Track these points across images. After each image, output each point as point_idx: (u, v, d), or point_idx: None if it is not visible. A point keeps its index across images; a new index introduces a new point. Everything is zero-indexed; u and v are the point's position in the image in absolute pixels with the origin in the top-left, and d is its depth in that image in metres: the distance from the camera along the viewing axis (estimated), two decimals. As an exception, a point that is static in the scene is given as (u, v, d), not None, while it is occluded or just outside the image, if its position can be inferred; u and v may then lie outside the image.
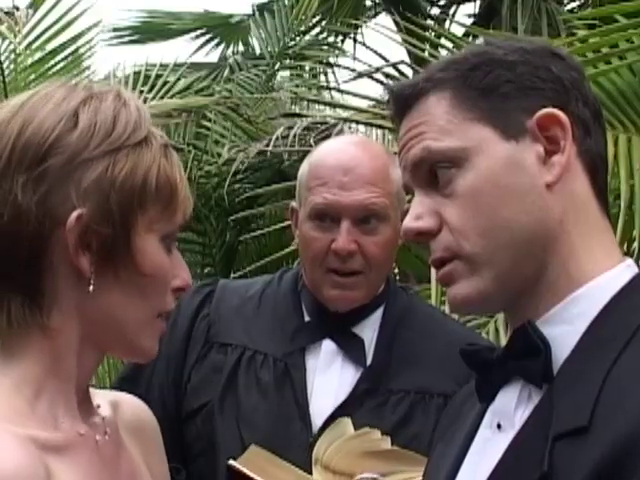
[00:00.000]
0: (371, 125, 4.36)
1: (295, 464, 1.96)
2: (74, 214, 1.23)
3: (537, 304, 1.22)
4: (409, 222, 1.25)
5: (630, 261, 1.25)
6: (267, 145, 5.17)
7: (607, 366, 1.14)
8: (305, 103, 7.45)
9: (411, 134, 1.26)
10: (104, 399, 1.40)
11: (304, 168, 2.11)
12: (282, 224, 4.35)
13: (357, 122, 4.65)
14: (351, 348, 2.06)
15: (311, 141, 4.91)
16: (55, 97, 1.29)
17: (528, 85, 1.23)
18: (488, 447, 1.24)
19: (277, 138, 5.06)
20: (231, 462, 1.90)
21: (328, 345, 2.07)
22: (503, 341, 3.25)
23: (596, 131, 1.26)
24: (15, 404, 1.24)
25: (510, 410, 1.22)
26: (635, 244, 3.37)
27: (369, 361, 2.06)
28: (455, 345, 2.02)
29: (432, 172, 1.24)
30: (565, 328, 1.20)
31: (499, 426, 1.24)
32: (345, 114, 5.21)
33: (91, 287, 1.25)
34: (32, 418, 1.23)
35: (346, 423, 1.97)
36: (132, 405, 1.46)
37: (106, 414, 1.37)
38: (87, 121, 1.26)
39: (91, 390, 1.38)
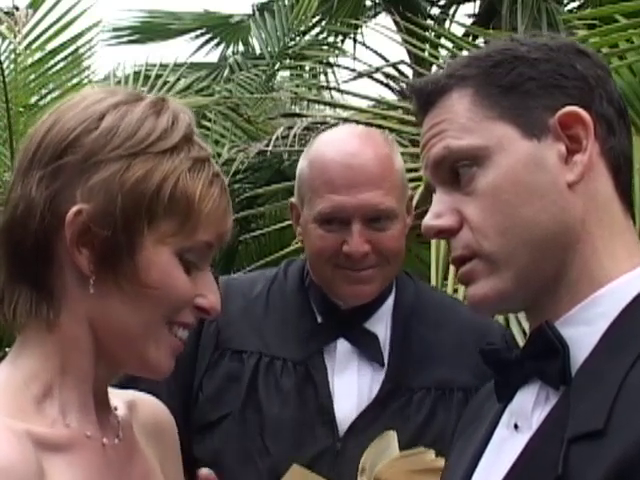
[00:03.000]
0: (371, 125, 4.35)
1: (323, 472, 1.92)
2: (73, 209, 1.23)
3: (557, 304, 1.21)
4: (430, 220, 1.24)
5: None
6: (267, 145, 5.16)
7: (625, 369, 1.12)
8: (305, 103, 7.46)
9: (432, 132, 1.25)
10: (121, 400, 1.39)
11: (303, 164, 2.02)
12: (282, 224, 4.34)
13: (357, 122, 4.63)
14: (366, 346, 2.02)
15: (311, 141, 4.90)
16: (89, 99, 1.29)
17: (551, 83, 1.22)
18: (505, 447, 1.23)
19: (277, 138, 5.05)
20: None
21: (343, 345, 2.02)
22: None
23: (621, 130, 1.25)
24: (20, 399, 1.23)
25: (527, 411, 1.21)
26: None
27: (385, 358, 2.01)
28: (467, 332, 2.02)
29: (453, 170, 1.23)
30: (584, 329, 1.19)
31: (516, 426, 1.23)
32: (345, 114, 5.20)
33: (91, 287, 1.24)
34: (36, 414, 1.23)
35: (392, 436, 1.92)
36: (151, 406, 1.45)
37: (122, 416, 1.35)
38: (110, 124, 1.26)
39: (109, 390, 1.37)
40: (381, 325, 2.05)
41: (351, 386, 2.00)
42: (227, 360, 2.02)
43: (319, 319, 2.05)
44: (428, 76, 1.34)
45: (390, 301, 2.07)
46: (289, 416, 1.97)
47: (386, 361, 2.02)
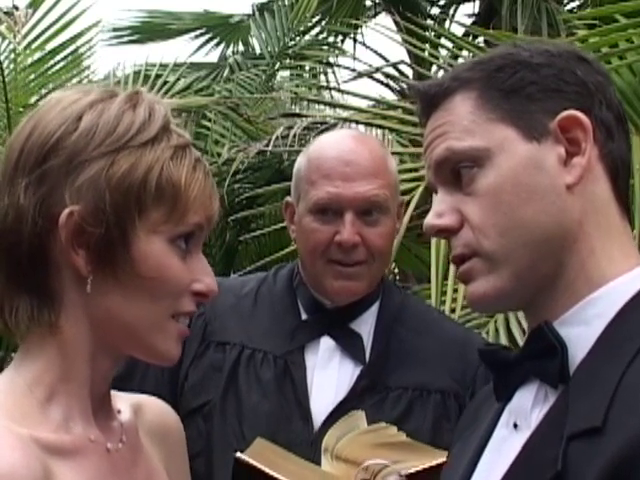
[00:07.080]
0: (371, 125, 4.36)
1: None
2: (65, 211, 1.24)
3: (555, 304, 1.23)
4: (431, 219, 1.27)
5: None
6: (267, 145, 5.16)
7: (622, 367, 1.14)
8: (305, 103, 7.46)
9: (435, 133, 1.28)
10: (126, 403, 1.39)
11: (301, 162, 2.11)
12: (282, 224, 4.34)
13: (357, 122, 4.64)
14: (349, 345, 2.08)
15: (311, 141, 4.90)
16: (65, 101, 1.30)
17: (552, 87, 1.24)
18: (504, 446, 1.25)
19: (277, 138, 5.05)
20: (239, 455, 1.88)
21: (326, 342, 2.08)
22: (503, 341, 3.25)
23: (619, 135, 1.27)
24: (25, 405, 1.24)
25: (527, 410, 1.23)
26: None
27: (367, 357, 2.07)
28: (450, 342, 2.09)
29: (455, 171, 1.26)
30: (582, 329, 1.20)
31: (515, 425, 1.24)
32: (345, 114, 5.21)
33: (88, 287, 1.25)
34: (41, 420, 1.24)
35: (360, 416, 1.96)
36: (157, 409, 1.46)
37: (126, 419, 1.36)
38: (89, 123, 1.27)
39: (114, 394, 1.38)
40: (365, 327, 2.11)
41: (330, 382, 2.05)
42: (211, 351, 2.10)
43: (305, 317, 2.11)
44: (433, 79, 1.37)
45: (376, 306, 2.13)
46: (267, 407, 2.03)
47: (367, 360, 2.07)
